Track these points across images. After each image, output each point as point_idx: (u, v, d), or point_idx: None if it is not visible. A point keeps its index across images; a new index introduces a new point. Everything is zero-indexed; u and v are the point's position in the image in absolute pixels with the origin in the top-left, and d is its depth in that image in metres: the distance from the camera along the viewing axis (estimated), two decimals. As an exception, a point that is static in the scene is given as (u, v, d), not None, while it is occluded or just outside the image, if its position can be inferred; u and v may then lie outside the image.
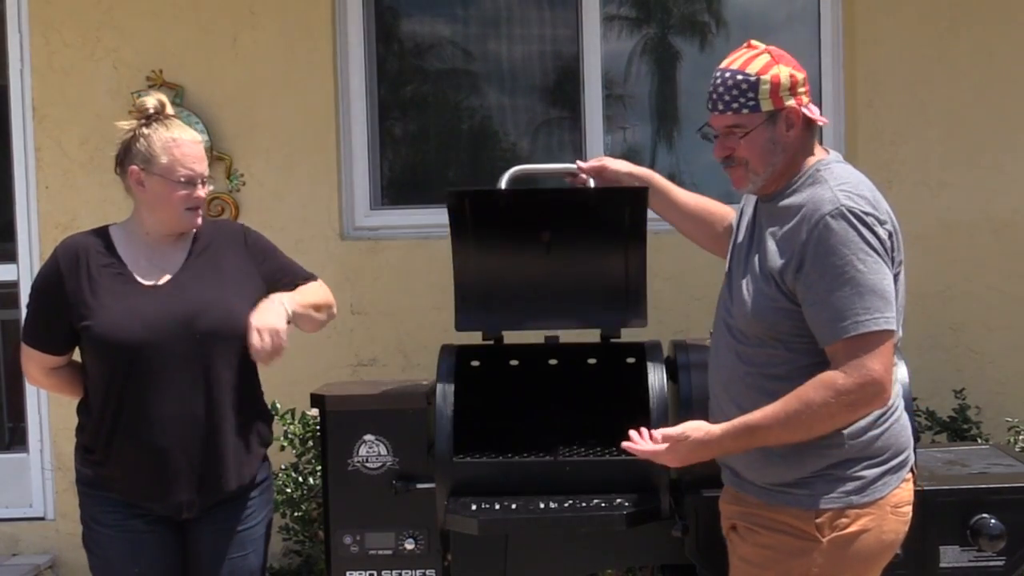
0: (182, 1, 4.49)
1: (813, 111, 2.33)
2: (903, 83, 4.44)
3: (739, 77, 2.27)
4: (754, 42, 2.35)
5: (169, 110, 2.71)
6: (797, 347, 2.24)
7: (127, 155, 2.65)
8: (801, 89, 2.30)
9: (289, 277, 2.83)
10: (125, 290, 2.62)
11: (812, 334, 2.22)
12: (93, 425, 2.64)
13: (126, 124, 2.69)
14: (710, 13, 4.82)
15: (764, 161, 2.29)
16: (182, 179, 2.62)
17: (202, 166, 2.66)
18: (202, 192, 2.66)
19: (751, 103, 2.26)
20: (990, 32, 4.43)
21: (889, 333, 2.17)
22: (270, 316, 2.62)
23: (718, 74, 2.31)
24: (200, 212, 2.69)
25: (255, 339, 2.58)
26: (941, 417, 4.12)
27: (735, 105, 2.27)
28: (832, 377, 2.15)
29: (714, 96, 2.30)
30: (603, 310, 3.11)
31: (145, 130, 2.64)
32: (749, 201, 2.52)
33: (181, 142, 2.64)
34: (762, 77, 2.26)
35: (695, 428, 2.27)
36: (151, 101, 2.68)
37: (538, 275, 3.13)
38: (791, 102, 2.29)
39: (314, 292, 2.84)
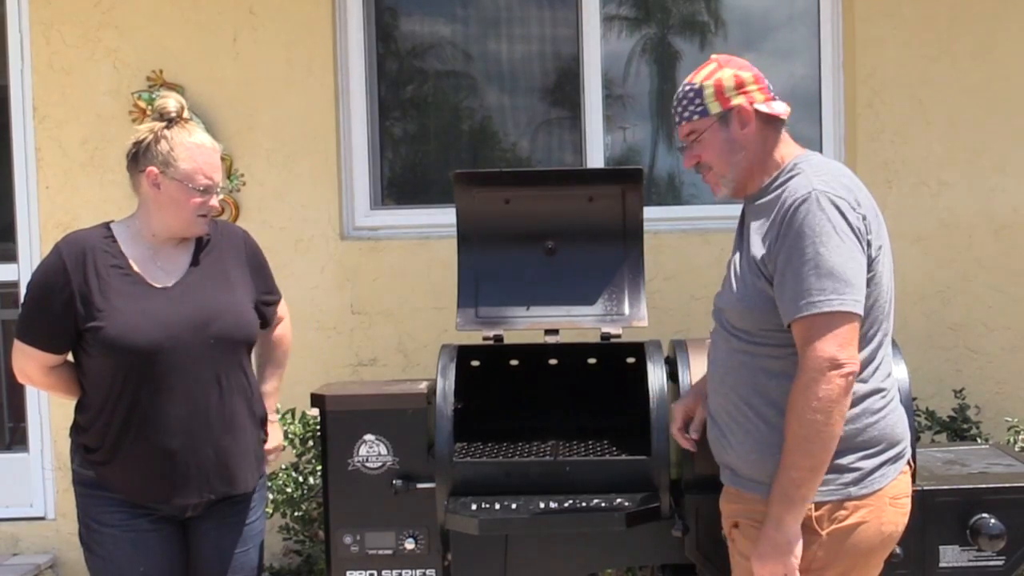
0: (182, 1, 4.49)
1: (771, 107, 2.39)
2: (903, 83, 4.44)
3: (687, 88, 2.42)
4: (714, 56, 2.46)
5: (186, 113, 2.70)
6: (790, 337, 2.24)
7: (145, 155, 2.63)
8: (752, 87, 2.38)
9: (272, 300, 2.91)
10: (136, 292, 2.61)
11: None
12: (99, 426, 2.62)
13: (145, 126, 2.68)
14: (710, 13, 4.83)
15: (725, 161, 2.38)
16: (201, 187, 2.62)
17: (219, 175, 2.68)
18: (215, 201, 2.66)
19: (699, 108, 2.38)
20: (990, 32, 4.43)
21: (845, 315, 2.17)
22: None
23: (678, 91, 2.45)
24: (209, 219, 2.69)
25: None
26: (941, 417, 4.12)
27: (686, 114, 2.40)
28: (797, 388, 2.18)
29: (674, 112, 2.45)
30: (603, 310, 3.12)
31: (167, 132, 2.63)
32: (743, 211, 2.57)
33: (204, 149, 2.64)
34: (705, 83, 2.39)
35: (759, 554, 2.22)
36: (172, 104, 2.67)
37: (539, 274, 3.14)
38: (739, 100, 2.36)
39: (283, 361, 3.04)
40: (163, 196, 2.63)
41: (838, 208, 2.21)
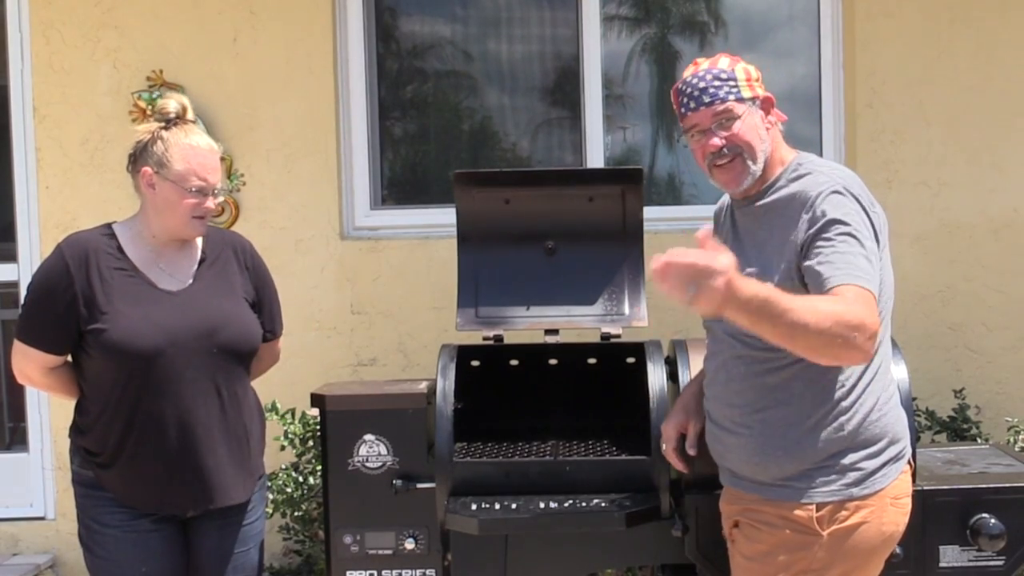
0: (182, 1, 4.49)
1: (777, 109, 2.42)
2: (903, 83, 4.44)
3: (715, 72, 2.34)
4: (721, 53, 2.43)
5: (190, 115, 2.69)
6: None
7: (142, 155, 2.63)
8: (763, 85, 2.40)
9: (267, 327, 2.84)
10: (140, 294, 2.60)
11: None
12: (100, 429, 2.61)
13: (145, 126, 2.67)
14: (710, 13, 4.83)
15: (759, 147, 2.33)
16: (194, 188, 2.60)
17: (216, 176, 2.64)
18: (211, 203, 2.64)
19: (735, 90, 2.33)
20: (990, 32, 4.43)
21: (875, 299, 2.15)
22: None
23: (690, 79, 2.36)
24: (206, 221, 2.67)
25: None
26: (941, 417, 4.12)
27: (721, 94, 2.32)
28: (853, 305, 2.05)
29: (695, 94, 2.34)
30: (603, 310, 3.12)
31: (164, 133, 2.62)
32: (720, 217, 2.55)
33: (199, 151, 2.62)
34: (735, 68, 2.35)
35: (723, 267, 1.95)
36: (172, 104, 2.66)
37: (539, 274, 3.14)
38: (763, 91, 2.37)
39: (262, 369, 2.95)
40: (158, 197, 2.62)
41: (863, 206, 2.23)
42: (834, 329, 2.02)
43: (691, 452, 2.51)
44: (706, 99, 2.32)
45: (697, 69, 2.37)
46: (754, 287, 2.01)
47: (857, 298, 2.09)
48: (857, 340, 2.04)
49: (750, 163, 2.33)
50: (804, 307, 2.03)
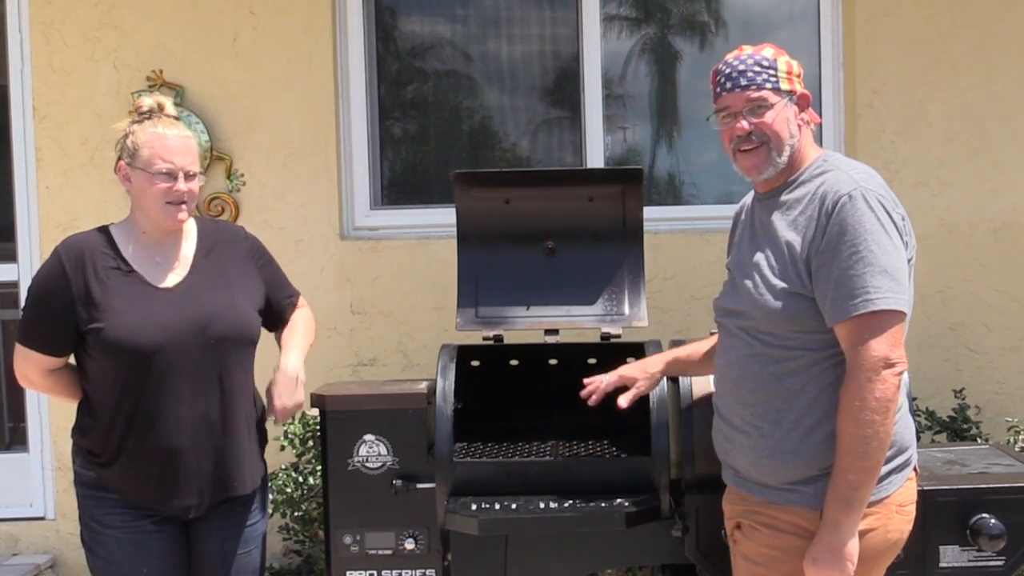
0: (182, 1, 4.49)
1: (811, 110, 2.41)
2: (903, 83, 4.44)
3: (757, 58, 2.33)
4: (767, 44, 2.41)
5: (170, 110, 2.70)
6: (819, 340, 2.23)
7: (119, 152, 2.67)
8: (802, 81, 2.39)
9: (284, 293, 2.89)
10: (135, 293, 2.61)
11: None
12: (101, 429, 2.62)
13: (120, 124, 2.71)
14: (710, 13, 4.83)
15: (786, 140, 2.32)
16: (162, 171, 2.60)
17: (185, 159, 2.63)
18: (183, 186, 2.62)
19: (773, 80, 2.32)
20: (990, 32, 4.43)
21: (896, 314, 2.16)
22: (296, 396, 2.77)
23: (732, 61, 2.35)
24: (184, 208, 2.65)
25: (282, 416, 2.76)
26: (941, 417, 4.12)
27: (759, 80, 2.31)
28: (851, 389, 2.15)
29: (734, 75, 2.33)
30: (603, 310, 3.12)
31: (135, 127, 2.65)
32: (740, 215, 2.55)
33: (165, 136, 2.63)
34: (778, 59, 2.34)
35: (813, 558, 2.19)
36: (147, 101, 2.70)
37: (539, 274, 3.14)
38: (802, 88, 2.36)
39: (307, 330, 2.94)
40: (134, 188, 2.64)
41: (884, 207, 2.20)
42: (867, 426, 2.13)
43: (621, 403, 2.65)
44: (743, 82, 2.31)
45: (740, 53, 2.36)
46: (826, 519, 2.19)
47: (860, 338, 2.14)
48: (882, 381, 2.14)
49: (775, 154, 2.32)
50: (852, 446, 2.14)
